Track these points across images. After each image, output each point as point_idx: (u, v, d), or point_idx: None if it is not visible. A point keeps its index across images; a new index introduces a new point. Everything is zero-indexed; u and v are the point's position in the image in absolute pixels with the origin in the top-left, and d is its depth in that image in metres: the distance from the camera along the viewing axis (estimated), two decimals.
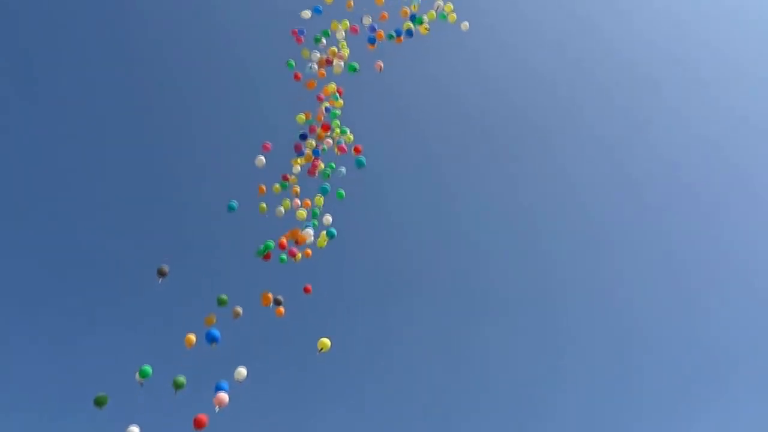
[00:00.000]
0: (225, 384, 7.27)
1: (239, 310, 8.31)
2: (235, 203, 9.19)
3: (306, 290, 9.09)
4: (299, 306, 16.14)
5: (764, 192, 18.56)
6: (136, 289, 15.54)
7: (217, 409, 6.85)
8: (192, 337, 7.43)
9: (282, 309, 8.80)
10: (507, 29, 20.16)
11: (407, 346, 17.29)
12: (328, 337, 8.03)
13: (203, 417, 6.76)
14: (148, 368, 6.97)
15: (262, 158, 9.83)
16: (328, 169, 9.76)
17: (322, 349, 7.94)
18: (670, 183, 19.24)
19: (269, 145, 9.90)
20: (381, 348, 17.35)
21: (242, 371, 7.79)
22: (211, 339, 7.47)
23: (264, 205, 9.40)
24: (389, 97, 10.73)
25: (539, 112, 20.17)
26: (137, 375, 6.96)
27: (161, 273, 8.22)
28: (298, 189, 9.69)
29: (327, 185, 9.78)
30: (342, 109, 10.18)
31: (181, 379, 6.97)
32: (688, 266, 18.50)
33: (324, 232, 9.32)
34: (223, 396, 6.93)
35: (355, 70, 10.17)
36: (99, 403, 6.67)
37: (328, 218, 9.54)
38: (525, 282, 18.41)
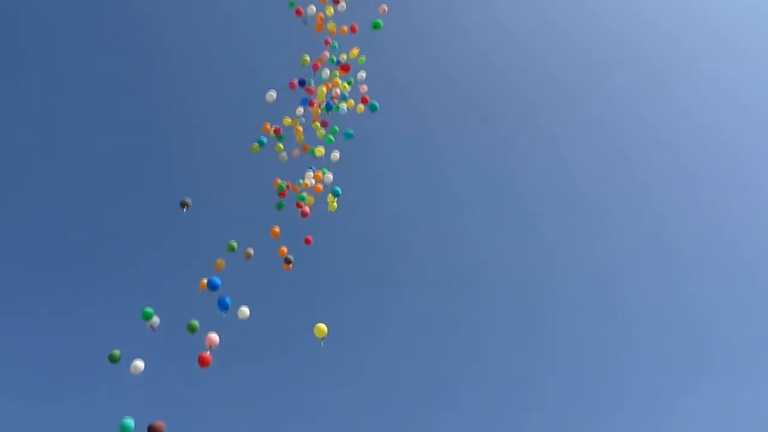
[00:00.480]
0: (227, 300, 7.59)
1: (251, 251, 8.53)
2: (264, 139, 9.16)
3: (306, 241, 9.34)
4: (293, 285, 16.40)
5: (758, 175, 18.77)
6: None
7: (209, 350, 7.04)
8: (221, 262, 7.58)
9: (290, 266, 9.01)
10: (503, 8, 20.13)
11: (399, 327, 17.46)
12: (323, 323, 7.89)
13: (207, 355, 6.97)
14: (149, 310, 7.16)
15: (273, 93, 9.81)
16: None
17: (319, 335, 7.84)
18: (663, 167, 19.36)
19: (295, 82, 9.89)
20: (373, 329, 17.53)
21: (245, 310, 7.97)
22: (212, 287, 7.64)
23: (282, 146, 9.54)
24: (385, 77, 10.73)
25: (534, 95, 20.20)
26: (146, 318, 7.21)
27: (184, 205, 8.43)
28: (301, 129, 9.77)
29: (351, 130, 9.90)
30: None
31: (195, 323, 7.26)
32: (680, 250, 18.64)
33: (332, 196, 9.56)
34: (214, 337, 7.14)
35: (378, 27, 10.16)
36: (113, 359, 6.85)
37: (329, 177, 9.64)
38: (517, 264, 18.56)
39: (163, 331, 7.42)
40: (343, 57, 10.13)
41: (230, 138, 16.81)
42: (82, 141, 16.50)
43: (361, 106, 10.05)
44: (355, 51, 10.14)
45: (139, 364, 7.37)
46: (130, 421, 6.52)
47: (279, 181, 9.40)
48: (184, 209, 8.37)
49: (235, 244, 8.27)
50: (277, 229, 8.88)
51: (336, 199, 9.52)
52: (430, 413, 16.21)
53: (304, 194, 9.47)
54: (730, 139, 19.22)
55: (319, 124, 9.87)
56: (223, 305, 7.65)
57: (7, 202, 15.49)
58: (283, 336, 16.55)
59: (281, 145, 9.43)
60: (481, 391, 16.68)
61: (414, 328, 17.42)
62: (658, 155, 19.49)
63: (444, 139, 19.45)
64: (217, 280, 7.75)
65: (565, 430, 16.16)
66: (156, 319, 7.31)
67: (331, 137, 9.87)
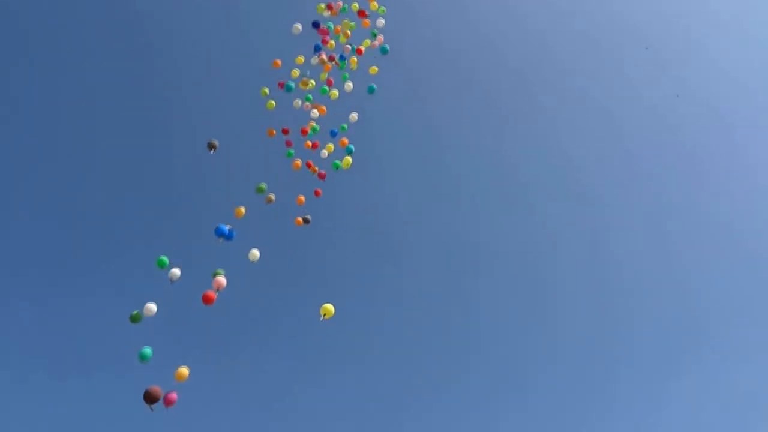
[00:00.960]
0: (225, 229, 7.61)
1: (273, 197, 8.66)
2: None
3: (320, 176, 9.64)
4: (293, 263, 16.38)
5: (759, 158, 18.71)
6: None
7: (215, 292, 7.10)
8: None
9: (300, 220, 9.18)
10: None
11: (399, 302, 17.55)
12: (331, 305, 7.68)
13: (212, 293, 7.03)
14: (164, 259, 7.17)
15: (299, 25, 9.87)
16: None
17: (325, 315, 7.65)
18: (663, 150, 19.27)
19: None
20: (373, 305, 17.60)
21: (255, 253, 7.98)
22: (220, 234, 7.66)
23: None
24: (383, 59, 10.77)
25: (530, 67, 19.99)
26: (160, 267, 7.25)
27: (211, 146, 8.45)
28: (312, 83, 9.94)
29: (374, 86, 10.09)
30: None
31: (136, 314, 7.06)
32: (680, 232, 18.64)
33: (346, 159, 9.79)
34: (222, 280, 7.19)
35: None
36: (134, 319, 6.87)
37: (353, 116, 9.94)
38: (516, 247, 18.59)
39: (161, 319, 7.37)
40: (355, 6, 10.21)
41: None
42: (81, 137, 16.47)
43: (368, 43, 10.26)
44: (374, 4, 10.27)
45: (256, 252, 7.71)
46: (148, 350, 6.65)
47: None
48: (212, 151, 8.34)
49: (264, 186, 8.37)
50: (272, 196, 8.82)
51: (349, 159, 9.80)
52: (429, 398, 16.42)
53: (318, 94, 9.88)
54: (732, 123, 19.13)
55: (327, 88, 10.00)
56: (223, 233, 7.66)
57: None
58: (282, 320, 16.67)
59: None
60: (481, 374, 16.86)
61: (413, 312, 17.53)
62: (659, 138, 19.44)
63: (443, 122, 19.37)
64: (225, 229, 7.72)
65: (563, 411, 16.41)
66: (176, 271, 7.23)
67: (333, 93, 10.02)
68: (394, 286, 17.82)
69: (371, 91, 10.13)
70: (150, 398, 6.12)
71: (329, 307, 7.65)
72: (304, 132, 9.81)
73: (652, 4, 20.05)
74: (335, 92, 9.98)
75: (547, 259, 18.26)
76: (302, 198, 9.36)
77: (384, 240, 18.20)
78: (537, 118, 19.50)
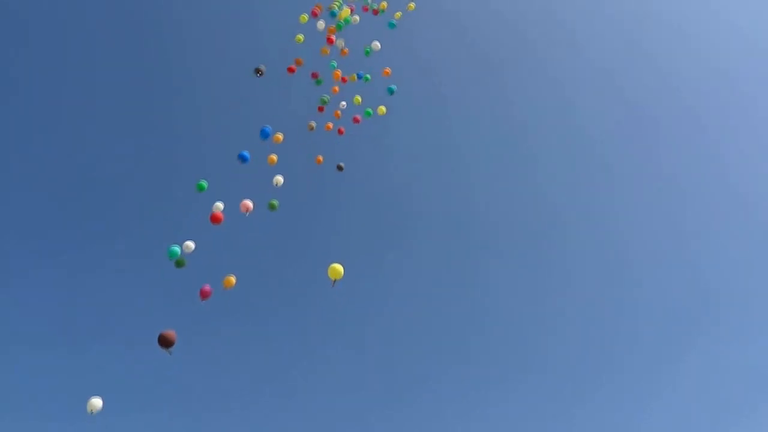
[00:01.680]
0: (246, 154, 7.97)
1: (313, 124, 9.09)
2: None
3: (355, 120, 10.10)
4: (300, 237, 16.54)
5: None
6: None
7: (246, 212, 7.34)
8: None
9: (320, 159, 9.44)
10: None
11: (407, 282, 17.69)
12: (339, 265, 7.16)
13: (219, 214, 7.26)
14: (176, 250, 7.32)
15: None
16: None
17: (335, 278, 7.17)
18: (669, 110, 19.03)
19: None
20: (381, 280, 17.78)
21: (279, 179, 8.29)
22: (242, 158, 8.04)
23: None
24: (387, 31, 10.85)
25: (540, 43, 19.75)
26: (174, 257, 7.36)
27: (258, 71, 8.58)
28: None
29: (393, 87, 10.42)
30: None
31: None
32: (686, 195, 18.61)
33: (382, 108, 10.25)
34: (248, 202, 7.47)
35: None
36: (179, 264, 7.12)
37: (376, 44, 10.37)
38: (523, 217, 18.61)
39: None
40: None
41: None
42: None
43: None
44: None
45: (280, 178, 7.98)
46: (176, 248, 6.97)
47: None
48: (258, 74, 8.47)
49: (276, 203, 8.47)
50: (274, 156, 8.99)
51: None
52: (435, 364, 16.61)
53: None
54: (738, 85, 18.86)
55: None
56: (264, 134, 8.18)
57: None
58: (291, 287, 16.88)
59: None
60: (488, 342, 17.01)
61: (420, 278, 17.66)
62: (664, 98, 19.21)
63: (449, 90, 19.28)
64: (247, 154, 8.09)
65: (565, 382, 16.54)
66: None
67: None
68: (405, 254, 17.91)
69: (391, 92, 10.43)
70: (165, 342, 6.06)
71: (338, 268, 7.12)
72: (314, 76, 10.16)
73: None
74: (358, 98, 10.30)
75: (554, 226, 18.34)
76: (321, 158, 9.66)
77: (393, 210, 18.32)
78: (543, 84, 19.38)
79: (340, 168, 9.95)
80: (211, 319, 14.27)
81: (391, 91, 10.46)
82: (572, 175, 18.72)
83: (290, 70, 9.74)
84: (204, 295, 6.84)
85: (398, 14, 10.71)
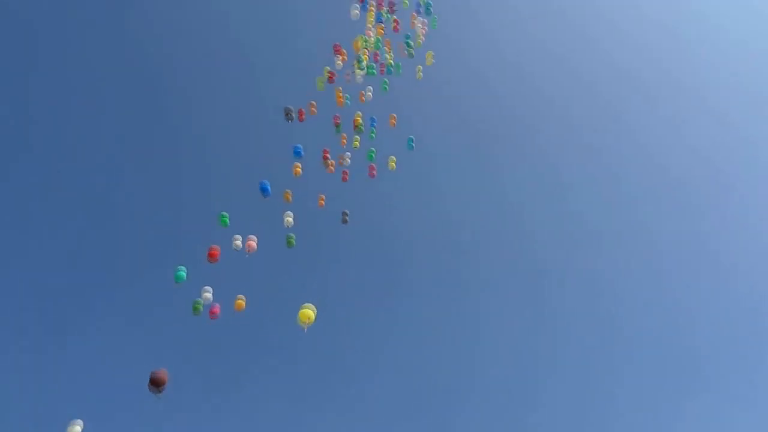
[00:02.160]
0: (267, 184, 8.39)
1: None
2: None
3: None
4: (298, 287, 16.69)
5: (747, 189, 19.25)
6: None
7: (248, 252, 7.49)
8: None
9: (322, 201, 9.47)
10: (502, 34, 20.90)
11: (402, 334, 17.75)
12: (311, 308, 6.84)
13: (215, 251, 7.41)
14: (182, 273, 7.48)
15: (357, 10, 10.45)
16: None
17: (305, 321, 6.70)
18: (658, 185, 19.83)
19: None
20: (377, 333, 17.80)
21: (290, 218, 8.54)
22: (263, 190, 8.53)
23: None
24: (387, 98, 11.48)
25: (531, 112, 20.86)
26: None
27: (288, 113, 9.15)
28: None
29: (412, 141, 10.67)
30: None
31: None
32: (670, 261, 19.14)
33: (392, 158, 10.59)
34: (253, 243, 7.72)
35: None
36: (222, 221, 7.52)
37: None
38: (516, 275, 18.95)
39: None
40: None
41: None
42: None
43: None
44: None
45: (290, 218, 8.14)
46: (182, 272, 7.05)
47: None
48: (288, 118, 8.90)
49: (293, 240, 8.76)
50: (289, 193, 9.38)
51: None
52: (432, 414, 16.43)
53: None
54: (718, 156, 19.82)
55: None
56: (265, 190, 8.52)
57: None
58: (285, 339, 16.80)
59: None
60: (483, 394, 16.92)
61: (415, 331, 17.73)
62: (648, 168, 20.04)
63: (443, 156, 20.04)
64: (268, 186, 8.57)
65: None
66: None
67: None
68: (400, 308, 18.10)
69: (410, 145, 10.79)
70: (156, 383, 5.84)
71: (308, 312, 6.70)
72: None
73: (642, 44, 21.07)
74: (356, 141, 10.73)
75: (548, 297, 18.62)
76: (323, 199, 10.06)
77: (389, 266, 18.59)
78: (533, 152, 20.16)
79: (344, 217, 10.01)
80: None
81: (410, 145, 10.75)
82: (563, 233, 19.24)
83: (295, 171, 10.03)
84: (212, 256, 7.09)
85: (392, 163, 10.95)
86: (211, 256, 7.33)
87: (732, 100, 20.30)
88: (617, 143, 20.70)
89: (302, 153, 9.01)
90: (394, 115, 11.30)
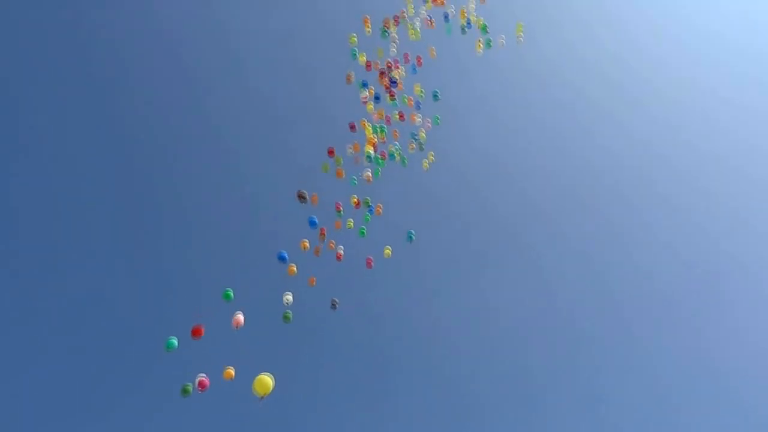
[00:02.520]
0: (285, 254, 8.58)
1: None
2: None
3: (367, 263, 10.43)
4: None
5: (741, 305, 19.35)
6: None
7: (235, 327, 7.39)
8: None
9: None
10: (495, 143, 21.81)
11: None
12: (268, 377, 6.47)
13: (200, 328, 7.00)
14: (173, 341, 7.18)
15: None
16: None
17: (261, 392, 6.33)
18: (651, 302, 19.81)
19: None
20: None
21: (289, 297, 8.47)
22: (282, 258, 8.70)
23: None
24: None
25: (527, 229, 21.00)
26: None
27: (302, 197, 8.93)
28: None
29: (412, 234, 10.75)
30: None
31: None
32: (664, 376, 18.66)
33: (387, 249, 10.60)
34: (240, 317, 7.56)
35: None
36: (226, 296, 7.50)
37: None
38: (507, 388, 18.31)
39: None
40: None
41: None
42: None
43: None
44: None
45: (290, 296, 8.27)
46: (174, 340, 6.91)
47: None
48: (302, 200, 8.83)
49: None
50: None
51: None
52: None
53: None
54: (710, 269, 20.06)
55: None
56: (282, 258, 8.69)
57: None
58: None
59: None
60: None
61: None
62: (640, 283, 20.14)
63: (436, 271, 20.03)
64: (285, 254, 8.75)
65: None
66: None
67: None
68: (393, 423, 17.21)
69: (410, 238, 10.90)
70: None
71: (266, 381, 6.36)
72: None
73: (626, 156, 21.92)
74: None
75: (538, 399, 17.97)
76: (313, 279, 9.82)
77: (381, 381, 17.90)
78: (526, 267, 20.20)
79: (334, 304, 9.87)
80: None
81: (410, 238, 10.80)
82: (556, 348, 18.89)
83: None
84: (202, 386, 6.79)
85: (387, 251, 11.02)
86: (195, 333, 7.15)
87: (726, 217, 20.98)
88: (612, 260, 20.92)
89: (317, 222, 9.13)
90: (380, 205, 11.52)
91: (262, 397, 6.29)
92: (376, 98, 10.95)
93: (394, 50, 11.34)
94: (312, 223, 9.11)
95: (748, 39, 22.24)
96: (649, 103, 22.25)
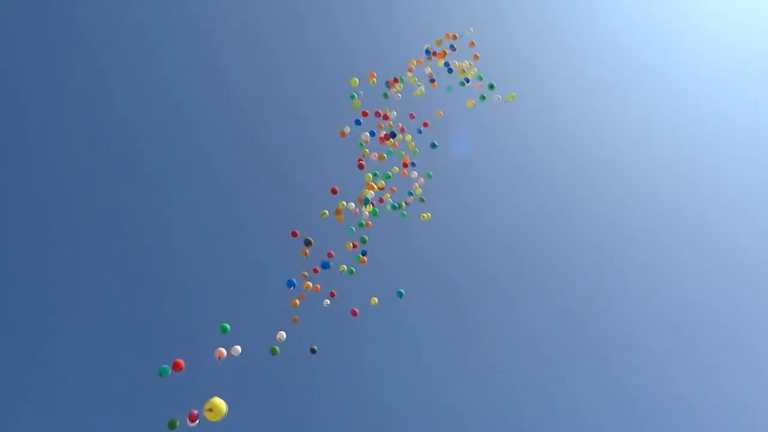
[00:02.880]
0: (294, 281, 8.73)
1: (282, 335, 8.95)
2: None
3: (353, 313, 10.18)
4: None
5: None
6: None
7: (218, 359, 7.54)
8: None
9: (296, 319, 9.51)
10: (485, 201, 22.13)
11: None
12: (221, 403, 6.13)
13: (181, 362, 7.27)
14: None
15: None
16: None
17: (212, 411, 5.95)
18: (648, 375, 19.64)
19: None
20: None
21: (282, 335, 8.47)
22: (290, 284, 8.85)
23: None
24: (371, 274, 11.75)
25: (516, 298, 20.76)
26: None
27: (308, 243, 9.16)
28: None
29: (402, 291, 10.74)
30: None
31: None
32: None
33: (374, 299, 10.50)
34: (223, 350, 7.57)
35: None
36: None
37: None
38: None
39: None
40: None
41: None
42: None
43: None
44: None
45: (283, 334, 8.23)
46: (166, 367, 6.96)
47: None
48: (308, 247, 9.11)
49: (277, 349, 8.67)
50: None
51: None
52: None
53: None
54: (718, 356, 20.04)
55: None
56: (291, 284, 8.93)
57: None
58: None
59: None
60: None
61: None
62: (644, 365, 20.04)
63: (429, 345, 19.96)
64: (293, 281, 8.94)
65: None
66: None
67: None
68: None
69: (400, 295, 10.80)
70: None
71: (218, 405, 5.98)
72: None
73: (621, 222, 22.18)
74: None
75: None
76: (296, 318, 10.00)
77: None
78: (524, 346, 19.89)
79: (312, 351, 10.03)
80: None
81: (400, 295, 10.87)
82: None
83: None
84: (192, 418, 6.90)
85: (374, 300, 10.90)
86: (176, 366, 7.48)
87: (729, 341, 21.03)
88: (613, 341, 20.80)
89: (295, 284, 9.43)
90: (365, 258, 11.67)
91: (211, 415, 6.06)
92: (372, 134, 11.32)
93: (395, 113, 11.99)
94: (290, 284, 9.40)
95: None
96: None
